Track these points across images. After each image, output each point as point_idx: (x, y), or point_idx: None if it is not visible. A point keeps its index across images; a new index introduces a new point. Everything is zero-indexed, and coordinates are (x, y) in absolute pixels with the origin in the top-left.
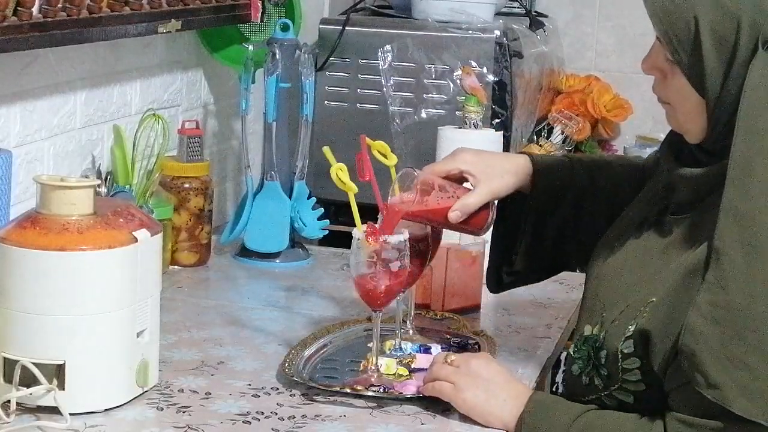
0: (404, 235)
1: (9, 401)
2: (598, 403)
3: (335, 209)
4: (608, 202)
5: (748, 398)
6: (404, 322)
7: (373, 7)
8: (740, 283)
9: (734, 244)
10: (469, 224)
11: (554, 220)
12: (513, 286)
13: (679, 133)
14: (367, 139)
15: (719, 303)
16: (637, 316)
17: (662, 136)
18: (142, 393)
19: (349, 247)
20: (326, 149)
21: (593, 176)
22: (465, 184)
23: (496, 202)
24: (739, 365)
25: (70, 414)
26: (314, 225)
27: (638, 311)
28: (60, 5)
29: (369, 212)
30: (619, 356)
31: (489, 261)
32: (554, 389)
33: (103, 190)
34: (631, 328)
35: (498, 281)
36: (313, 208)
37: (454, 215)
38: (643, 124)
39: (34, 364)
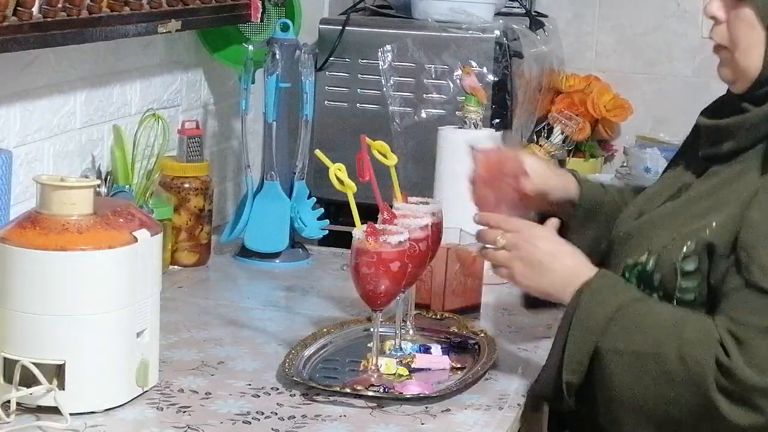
0: (404, 235)
1: (9, 401)
2: None
3: (335, 209)
4: None
5: None
6: (404, 322)
7: (373, 7)
8: None
9: None
10: None
11: (588, 237)
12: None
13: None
14: (367, 139)
15: None
16: (692, 237)
17: (662, 136)
18: (142, 393)
19: (349, 247)
20: (318, 152)
21: (624, 197)
22: None
23: None
24: None
25: (70, 414)
26: (314, 225)
27: (695, 234)
28: (60, 5)
29: (369, 212)
30: (678, 275)
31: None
32: None
33: (103, 190)
34: (691, 245)
35: (534, 301)
36: (313, 208)
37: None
38: (643, 124)
39: (34, 364)
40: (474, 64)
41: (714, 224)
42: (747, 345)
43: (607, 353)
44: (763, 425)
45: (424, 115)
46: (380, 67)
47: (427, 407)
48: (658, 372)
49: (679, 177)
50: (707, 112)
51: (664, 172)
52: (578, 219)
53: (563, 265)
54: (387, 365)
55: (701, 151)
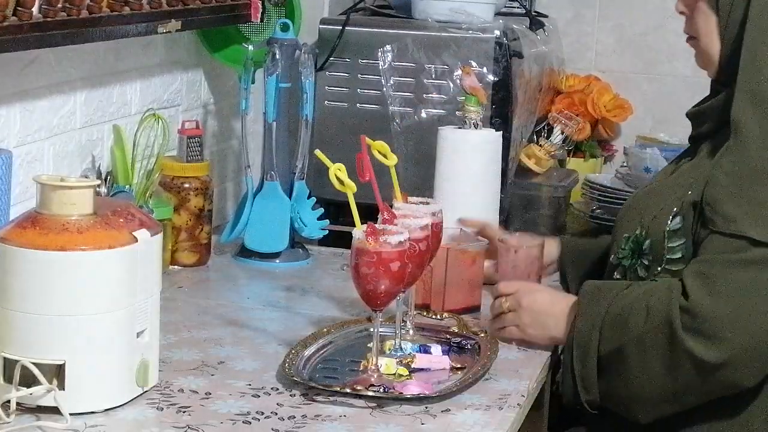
0: (404, 235)
1: (9, 401)
2: None
3: (335, 209)
4: None
5: (761, 226)
6: (404, 322)
7: (373, 7)
8: (757, 143)
9: (749, 115)
10: None
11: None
12: None
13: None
14: (367, 139)
15: (738, 161)
16: (677, 200)
17: (662, 136)
18: (142, 393)
19: (349, 247)
20: (318, 152)
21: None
22: None
23: None
24: (753, 202)
25: (70, 414)
26: (314, 225)
27: (679, 198)
28: (60, 5)
29: (369, 212)
30: (666, 236)
31: None
32: (554, 389)
33: (103, 190)
34: (676, 209)
35: None
36: (313, 208)
37: None
38: (643, 124)
39: (34, 364)
40: (474, 64)
41: (695, 186)
42: (711, 278)
43: (604, 360)
44: (731, 356)
45: (424, 115)
46: (380, 67)
47: (427, 407)
48: (642, 352)
49: (677, 163)
50: (696, 105)
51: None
52: (568, 267)
53: (561, 309)
54: (387, 365)
55: (690, 134)
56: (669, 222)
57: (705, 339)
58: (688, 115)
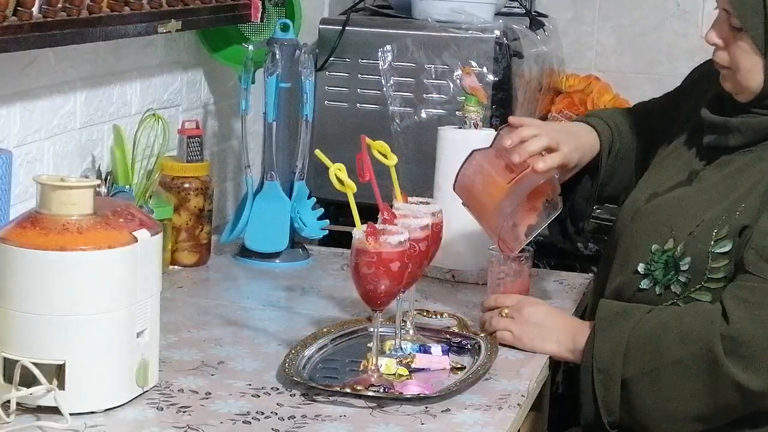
0: (404, 235)
1: (9, 401)
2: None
3: (335, 209)
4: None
5: None
6: (404, 322)
7: (373, 7)
8: None
9: None
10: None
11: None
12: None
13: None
14: (367, 139)
15: None
16: (721, 222)
17: None
18: (142, 393)
19: (349, 247)
20: (318, 152)
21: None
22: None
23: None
24: None
25: (70, 414)
26: (314, 225)
27: (722, 219)
28: (60, 5)
29: (369, 212)
30: (710, 257)
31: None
32: (554, 389)
33: (103, 190)
34: (723, 229)
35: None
36: (313, 208)
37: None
38: None
39: (34, 364)
40: (474, 64)
41: (743, 205)
42: (753, 304)
43: (630, 382)
44: None
45: (424, 115)
46: (380, 67)
47: (427, 407)
48: (681, 376)
49: (688, 164)
50: (709, 107)
51: (661, 149)
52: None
53: (562, 324)
54: (387, 365)
55: (706, 140)
56: (713, 243)
57: (748, 366)
58: (708, 122)
